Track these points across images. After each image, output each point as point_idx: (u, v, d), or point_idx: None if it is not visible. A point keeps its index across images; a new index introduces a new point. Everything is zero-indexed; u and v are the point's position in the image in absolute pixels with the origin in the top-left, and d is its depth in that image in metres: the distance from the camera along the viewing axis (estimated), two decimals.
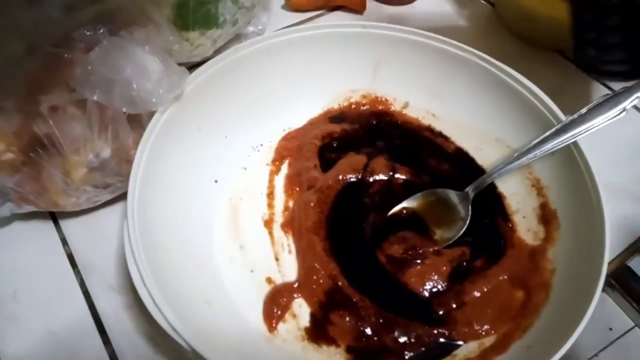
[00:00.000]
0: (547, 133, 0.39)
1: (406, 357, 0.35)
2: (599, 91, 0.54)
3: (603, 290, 1.07)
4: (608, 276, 1.04)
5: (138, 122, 0.40)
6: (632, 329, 0.98)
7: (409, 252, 0.40)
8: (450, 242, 0.41)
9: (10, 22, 0.57)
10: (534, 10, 0.55)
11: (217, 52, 0.52)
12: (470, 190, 0.42)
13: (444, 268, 0.40)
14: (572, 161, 0.39)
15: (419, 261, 0.40)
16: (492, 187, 0.44)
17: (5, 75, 0.40)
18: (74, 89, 0.37)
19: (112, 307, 0.38)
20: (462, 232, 0.41)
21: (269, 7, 0.56)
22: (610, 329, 1.06)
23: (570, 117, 0.39)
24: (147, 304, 0.30)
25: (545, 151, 0.39)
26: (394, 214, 0.42)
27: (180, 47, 0.44)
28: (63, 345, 0.37)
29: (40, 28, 0.46)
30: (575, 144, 0.39)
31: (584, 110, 0.40)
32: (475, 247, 0.41)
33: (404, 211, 0.43)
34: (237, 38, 0.55)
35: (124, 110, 0.37)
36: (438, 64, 0.46)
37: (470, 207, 0.41)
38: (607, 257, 0.33)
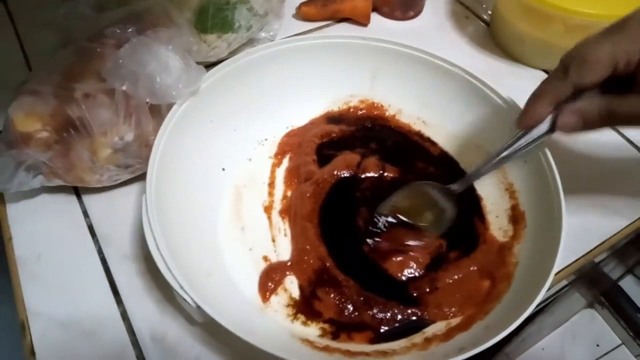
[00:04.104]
0: (519, 133, 0.42)
1: (381, 331, 0.40)
2: None
3: (593, 307, 1.11)
4: (599, 294, 1.08)
5: (158, 111, 0.45)
6: (619, 346, 1.03)
7: (392, 243, 0.45)
8: (438, 233, 0.45)
9: (46, 17, 0.63)
10: (523, 31, 0.60)
11: (231, 54, 0.57)
12: (457, 186, 0.46)
13: (422, 259, 0.44)
14: (541, 170, 0.43)
15: (401, 251, 0.45)
16: (472, 189, 0.49)
17: (44, 64, 0.45)
18: (105, 79, 0.42)
19: (126, 273, 0.43)
20: (449, 224, 0.45)
21: (281, 15, 0.62)
22: (598, 345, 1.12)
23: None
24: (159, 265, 0.35)
25: (518, 149, 0.42)
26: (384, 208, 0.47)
27: (198, 48, 0.50)
28: (80, 303, 0.41)
29: (74, 24, 0.51)
30: (544, 154, 0.43)
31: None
32: (451, 241, 0.46)
33: (393, 204, 0.47)
34: (250, 42, 0.60)
35: (147, 100, 0.43)
36: (430, 76, 0.51)
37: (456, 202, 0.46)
38: (560, 255, 0.37)
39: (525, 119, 0.39)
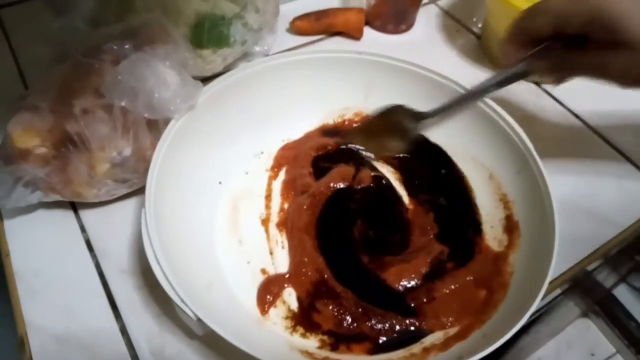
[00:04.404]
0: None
1: (380, 342, 0.40)
2: (569, 121, 0.60)
3: (587, 316, 1.11)
4: (593, 303, 1.08)
5: (155, 126, 0.46)
6: (613, 355, 1.04)
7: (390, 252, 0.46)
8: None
9: (41, 31, 0.63)
10: None
11: (227, 68, 0.58)
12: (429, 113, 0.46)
13: (423, 269, 0.45)
14: (534, 180, 0.44)
15: (401, 259, 0.45)
16: (468, 199, 0.50)
17: (42, 79, 0.46)
18: (104, 94, 0.42)
19: (124, 287, 0.43)
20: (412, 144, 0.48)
21: (274, 30, 0.62)
22: (593, 355, 1.13)
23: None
24: (159, 279, 0.35)
25: (495, 83, 0.44)
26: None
27: (194, 63, 0.50)
28: (78, 318, 0.41)
29: (70, 39, 0.52)
30: (537, 165, 0.44)
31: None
32: (450, 251, 0.46)
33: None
34: (244, 56, 0.61)
35: (146, 115, 0.43)
36: (422, 88, 0.52)
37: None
38: (554, 263, 0.38)
39: (502, 59, 0.45)
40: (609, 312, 1.14)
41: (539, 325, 0.84)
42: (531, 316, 0.36)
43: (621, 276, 1.10)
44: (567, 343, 1.12)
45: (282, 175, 0.52)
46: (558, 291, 0.52)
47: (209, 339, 0.40)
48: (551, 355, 1.10)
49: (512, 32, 0.43)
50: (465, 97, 0.46)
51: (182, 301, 0.34)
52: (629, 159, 0.56)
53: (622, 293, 1.11)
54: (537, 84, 0.64)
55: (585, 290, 1.05)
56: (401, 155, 0.52)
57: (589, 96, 0.62)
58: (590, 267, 0.51)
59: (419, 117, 0.46)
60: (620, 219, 0.51)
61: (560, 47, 0.41)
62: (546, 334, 1.07)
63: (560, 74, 0.43)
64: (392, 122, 0.48)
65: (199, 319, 0.34)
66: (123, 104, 0.41)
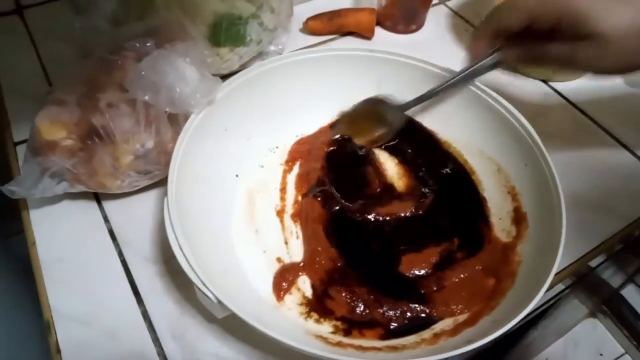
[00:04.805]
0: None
1: (391, 328, 0.42)
2: (576, 117, 0.61)
3: (595, 316, 1.12)
4: (601, 302, 1.09)
5: (175, 120, 0.48)
6: (622, 355, 1.05)
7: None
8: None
9: (62, 31, 0.65)
10: None
11: (242, 66, 0.59)
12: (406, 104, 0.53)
13: (433, 258, 0.46)
14: (542, 172, 0.46)
15: (412, 248, 0.47)
16: (477, 191, 0.51)
17: (67, 75, 0.48)
18: (127, 89, 0.44)
19: (146, 275, 0.45)
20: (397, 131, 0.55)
21: (288, 29, 0.64)
22: (601, 355, 1.14)
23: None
24: (182, 263, 0.37)
25: (472, 73, 0.50)
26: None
27: (212, 61, 0.52)
28: (102, 304, 0.43)
29: (90, 37, 0.54)
30: (544, 158, 0.45)
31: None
32: (459, 241, 0.48)
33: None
34: (259, 55, 0.62)
35: (167, 110, 0.45)
36: (431, 84, 0.53)
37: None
38: (561, 251, 0.39)
39: (472, 52, 0.49)
40: (616, 312, 1.14)
41: (547, 321, 0.85)
42: (539, 308, 0.37)
43: (628, 276, 1.10)
44: (575, 343, 1.12)
45: (296, 168, 0.53)
46: (565, 284, 0.53)
47: (228, 323, 0.42)
48: (558, 355, 1.10)
49: (484, 25, 0.46)
50: (442, 85, 0.51)
51: (204, 284, 0.36)
52: (634, 154, 0.57)
53: (630, 293, 1.11)
54: (545, 81, 0.65)
55: (592, 289, 1.06)
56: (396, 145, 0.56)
57: (595, 93, 0.63)
58: (597, 260, 0.52)
59: (401, 107, 0.53)
60: (625, 212, 0.52)
61: (529, 39, 0.43)
62: (553, 331, 1.08)
63: (531, 63, 0.46)
64: (375, 113, 0.54)
65: (219, 302, 0.36)
66: (146, 98, 0.43)
